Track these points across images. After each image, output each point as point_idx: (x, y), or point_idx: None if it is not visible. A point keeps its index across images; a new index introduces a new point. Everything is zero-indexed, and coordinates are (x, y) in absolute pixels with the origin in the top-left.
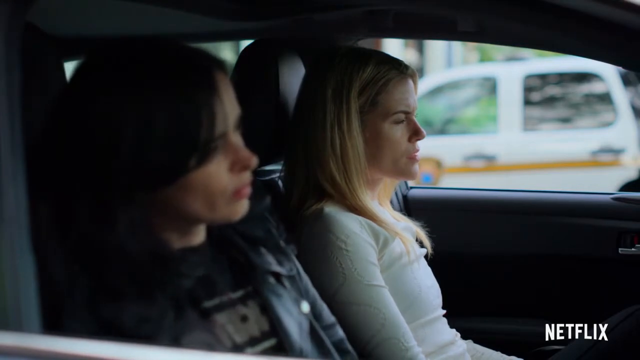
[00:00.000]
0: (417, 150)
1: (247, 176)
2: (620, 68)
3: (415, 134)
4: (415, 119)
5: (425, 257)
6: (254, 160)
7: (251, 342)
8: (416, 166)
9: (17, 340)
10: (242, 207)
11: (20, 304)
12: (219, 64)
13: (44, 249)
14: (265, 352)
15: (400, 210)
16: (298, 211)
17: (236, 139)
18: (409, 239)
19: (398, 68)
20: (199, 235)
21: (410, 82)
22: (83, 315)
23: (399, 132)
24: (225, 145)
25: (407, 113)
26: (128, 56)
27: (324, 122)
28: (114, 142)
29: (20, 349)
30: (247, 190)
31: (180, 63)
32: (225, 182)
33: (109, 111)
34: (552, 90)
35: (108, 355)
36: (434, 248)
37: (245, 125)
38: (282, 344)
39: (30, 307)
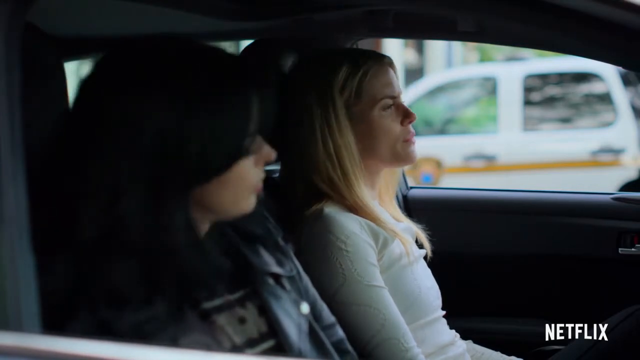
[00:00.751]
0: (413, 133)
1: (263, 171)
2: (620, 68)
3: (406, 116)
4: (404, 103)
5: (425, 258)
6: (273, 155)
7: (250, 344)
8: (413, 148)
9: (17, 340)
10: (253, 201)
11: (20, 304)
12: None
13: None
14: (264, 353)
15: (400, 210)
16: (298, 212)
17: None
18: (408, 240)
19: (374, 57)
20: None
21: (390, 69)
22: (84, 314)
23: (389, 118)
24: (257, 142)
25: (393, 97)
26: (183, 57)
27: (313, 125)
28: (167, 141)
29: (20, 349)
30: (261, 185)
31: (233, 63)
32: (254, 176)
33: (163, 111)
34: (552, 90)
35: (108, 355)
36: (434, 248)
37: None
38: (281, 346)
39: (30, 307)
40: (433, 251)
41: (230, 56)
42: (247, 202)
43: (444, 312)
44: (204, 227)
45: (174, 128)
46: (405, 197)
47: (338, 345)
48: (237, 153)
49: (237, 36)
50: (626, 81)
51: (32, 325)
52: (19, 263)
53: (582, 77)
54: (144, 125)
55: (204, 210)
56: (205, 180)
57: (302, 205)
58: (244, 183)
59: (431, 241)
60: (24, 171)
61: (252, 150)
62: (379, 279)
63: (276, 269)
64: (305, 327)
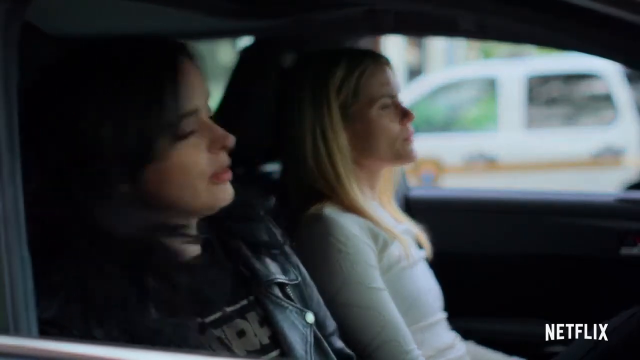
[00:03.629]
0: (412, 132)
1: (225, 158)
2: (624, 67)
3: (404, 115)
4: (402, 103)
5: (425, 259)
6: (231, 139)
7: (250, 356)
8: (412, 146)
9: (16, 342)
10: (225, 193)
11: (18, 305)
12: (181, 49)
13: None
14: None
15: (401, 211)
16: (298, 212)
17: (209, 120)
18: (408, 242)
19: (372, 57)
20: (195, 248)
21: (387, 69)
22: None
23: (388, 117)
24: (199, 125)
25: (391, 97)
26: (99, 54)
27: (307, 128)
28: (86, 137)
29: (19, 348)
30: (228, 175)
31: (140, 55)
32: (204, 163)
33: (76, 107)
34: (554, 90)
35: (108, 356)
36: (435, 248)
37: (246, 124)
38: (285, 356)
39: (29, 308)
40: (434, 251)
41: (153, 46)
42: (213, 194)
43: (444, 315)
44: (191, 230)
45: (94, 122)
46: (406, 198)
47: (340, 352)
48: (156, 136)
49: (237, 36)
50: (630, 80)
51: (30, 326)
52: (18, 263)
53: (584, 77)
54: (66, 120)
55: (172, 211)
56: (134, 169)
57: (302, 205)
58: (192, 169)
59: (432, 241)
60: (21, 171)
61: (185, 133)
62: (378, 281)
63: (281, 277)
64: (310, 338)
